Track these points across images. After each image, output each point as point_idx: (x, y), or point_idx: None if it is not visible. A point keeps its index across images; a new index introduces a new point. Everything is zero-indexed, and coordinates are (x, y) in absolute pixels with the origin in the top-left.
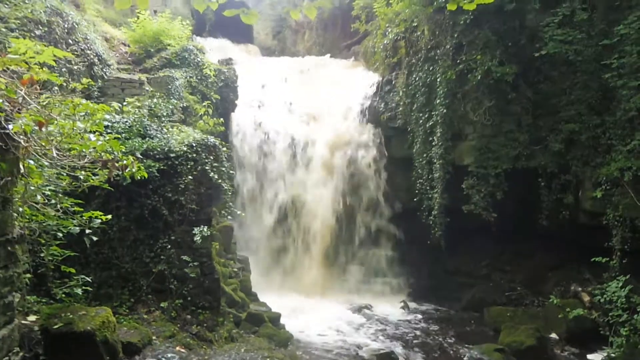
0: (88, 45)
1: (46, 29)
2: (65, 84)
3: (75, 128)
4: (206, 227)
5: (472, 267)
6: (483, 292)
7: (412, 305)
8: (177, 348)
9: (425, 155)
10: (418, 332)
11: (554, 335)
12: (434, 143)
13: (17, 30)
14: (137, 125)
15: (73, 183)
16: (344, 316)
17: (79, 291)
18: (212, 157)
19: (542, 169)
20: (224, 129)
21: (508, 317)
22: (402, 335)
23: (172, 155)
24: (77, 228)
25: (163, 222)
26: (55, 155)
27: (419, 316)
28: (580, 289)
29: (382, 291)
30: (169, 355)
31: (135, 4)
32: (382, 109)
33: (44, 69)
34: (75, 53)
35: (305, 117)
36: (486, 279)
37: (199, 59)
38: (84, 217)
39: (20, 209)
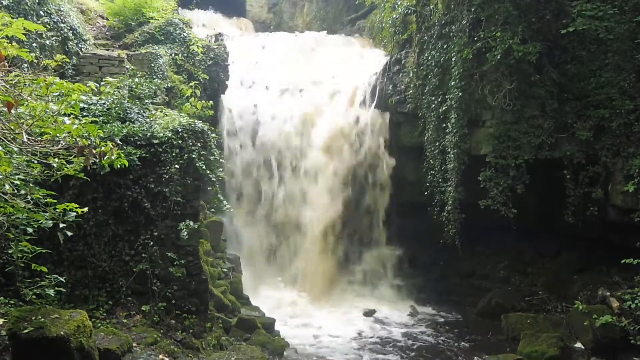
0: (62, 17)
1: None
2: (36, 61)
3: (47, 110)
4: (193, 221)
5: (488, 269)
6: (501, 297)
7: (422, 310)
8: (160, 356)
9: (437, 143)
10: (428, 341)
11: (579, 345)
12: (447, 130)
13: None
14: (117, 108)
15: (45, 172)
16: (345, 322)
17: (52, 292)
18: (199, 144)
19: (568, 160)
20: (213, 113)
21: (528, 324)
22: (410, 344)
23: (155, 141)
24: (50, 222)
25: (145, 216)
26: (25, 140)
27: (429, 323)
28: (608, 293)
29: (389, 295)
30: None
31: None
32: (390, 92)
33: (12, 43)
34: (48, 26)
35: (304, 101)
36: (504, 282)
37: (185, 34)
38: (57, 210)
39: None
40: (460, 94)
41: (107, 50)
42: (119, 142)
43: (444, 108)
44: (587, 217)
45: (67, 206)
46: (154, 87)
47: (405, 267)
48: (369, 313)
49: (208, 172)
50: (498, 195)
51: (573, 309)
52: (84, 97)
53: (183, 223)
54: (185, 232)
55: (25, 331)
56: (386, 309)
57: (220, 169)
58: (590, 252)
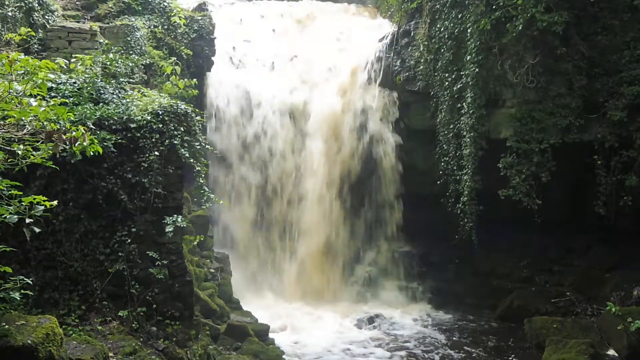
0: None
1: None
2: None
3: (11, 90)
4: (180, 216)
5: (509, 268)
6: (523, 299)
7: (434, 314)
8: None
9: (452, 126)
10: (442, 350)
11: (611, 352)
12: (463, 111)
13: None
14: (89, 88)
15: (9, 160)
16: (348, 329)
17: (17, 296)
18: (182, 129)
19: (599, 144)
20: (197, 93)
21: (554, 329)
22: (421, 354)
23: (132, 125)
24: (15, 217)
25: (121, 209)
26: None
27: (443, 329)
28: None
29: (397, 297)
30: None
31: None
32: (397, 68)
33: None
34: None
35: (300, 79)
36: (527, 282)
37: (165, 4)
38: (23, 203)
39: None
40: (477, 70)
41: (78, 22)
42: (91, 126)
43: (458, 86)
44: (621, 207)
45: (34, 199)
46: (130, 64)
47: (415, 266)
48: (372, 318)
49: (192, 160)
50: (520, 184)
51: (605, 311)
52: (51, 76)
53: (169, 217)
54: (172, 228)
55: None
56: (394, 314)
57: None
58: (624, 247)
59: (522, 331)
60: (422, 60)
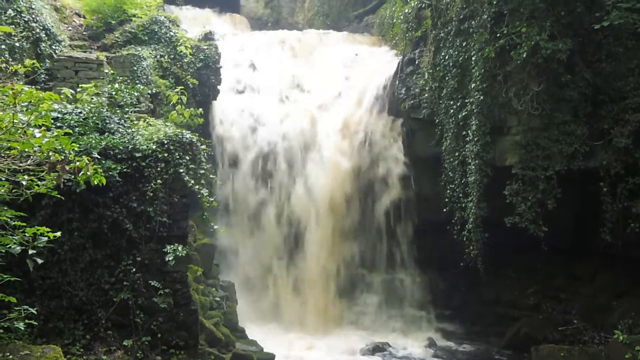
0: (33, 16)
1: None
2: (3, 66)
3: (16, 121)
4: (181, 245)
5: (516, 295)
6: (530, 327)
7: (441, 343)
8: None
9: (457, 154)
10: None
11: None
12: (468, 138)
13: None
14: (94, 118)
15: (14, 190)
16: (354, 358)
17: (21, 325)
18: (187, 158)
19: (605, 170)
20: (203, 121)
21: (562, 358)
22: None
23: (137, 155)
24: (19, 247)
25: (126, 239)
26: None
27: (450, 357)
28: None
29: (403, 326)
30: None
31: None
32: (403, 96)
33: None
34: (18, 26)
35: (307, 107)
36: (534, 309)
37: (171, 33)
38: (27, 234)
39: None
40: (482, 97)
41: (85, 52)
42: (96, 156)
43: (463, 113)
44: (627, 234)
45: (38, 229)
46: (136, 94)
47: (421, 294)
48: (381, 347)
49: (197, 187)
50: (526, 212)
51: (612, 339)
52: (56, 106)
53: (170, 246)
54: (172, 257)
55: None
56: (401, 343)
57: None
58: (631, 274)
59: (530, 359)
60: (427, 88)
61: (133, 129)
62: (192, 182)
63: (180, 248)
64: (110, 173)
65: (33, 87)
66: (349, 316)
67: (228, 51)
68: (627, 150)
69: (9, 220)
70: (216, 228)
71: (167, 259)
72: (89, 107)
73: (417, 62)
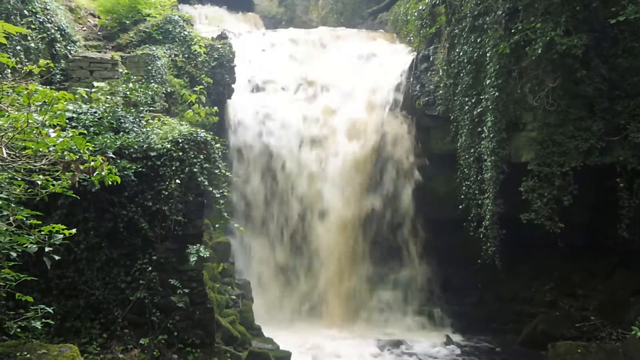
0: (48, 17)
1: None
2: (19, 66)
3: (30, 121)
4: (202, 245)
5: (532, 292)
6: (547, 323)
7: (458, 340)
8: None
9: (472, 150)
10: None
11: None
12: (483, 135)
13: None
14: (109, 117)
15: (29, 190)
16: (370, 355)
17: (38, 324)
18: (202, 157)
19: (621, 166)
20: (217, 120)
21: (579, 354)
22: None
23: (152, 154)
24: (35, 246)
25: (142, 237)
26: (5, 155)
27: (466, 354)
28: None
29: (420, 323)
30: None
31: None
32: (417, 93)
33: None
34: (33, 27)
35: (320, 105)
36: (551, 306)
37: (186, 33)
38: (43, 232)
39: None
40: (497, 93)
41: (99, 52)
42: (112, 155)
43: (478, 110)
44: None
45: (54, 228)
46: (151, 93)
47: (437, 291)
48: (397, 344)
49: (211, 187)
50: (542, 208)
51: (630, 335)
52: (71, 106)
53: (193, 246)
54: (195, 257)
55: None
56: (417, 340)
57: (226, 183)
58: None
59: (547, 356)
60: (441, 85)
61: (148, 128)
62: (206, 181)
63: (202, 249)
64: (126, 172)
65: (48, 87)
66: (364, 313)
67: (242, 50)
68: None
69: (24, 219)
70: (235, 226)
71: (190, 259)
72: (104, 107)
73: (431, 59)
